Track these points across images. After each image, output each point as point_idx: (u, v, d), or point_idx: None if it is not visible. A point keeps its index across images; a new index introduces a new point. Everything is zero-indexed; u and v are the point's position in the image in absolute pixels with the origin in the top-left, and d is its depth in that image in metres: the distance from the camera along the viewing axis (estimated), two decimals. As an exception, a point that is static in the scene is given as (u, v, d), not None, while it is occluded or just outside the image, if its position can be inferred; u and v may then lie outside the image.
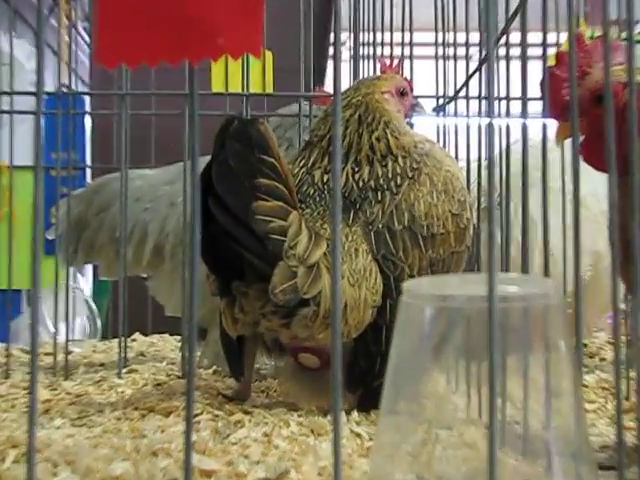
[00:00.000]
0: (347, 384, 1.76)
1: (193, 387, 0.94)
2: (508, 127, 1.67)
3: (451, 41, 2.28)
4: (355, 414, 1.71)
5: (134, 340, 3.18)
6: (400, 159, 1.88)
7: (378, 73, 2.25)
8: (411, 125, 2.67)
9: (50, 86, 2.47)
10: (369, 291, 1.75)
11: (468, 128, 2.13)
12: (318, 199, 1.84)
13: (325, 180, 1.86)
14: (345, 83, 2.04)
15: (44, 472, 1.21)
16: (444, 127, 2.34)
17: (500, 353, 1.07)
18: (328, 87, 3.52)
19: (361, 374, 1.76)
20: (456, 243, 1.85)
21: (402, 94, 1.97)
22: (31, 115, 3.38)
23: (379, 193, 1.83)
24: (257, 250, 1.64)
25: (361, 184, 1.84)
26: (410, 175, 1.86)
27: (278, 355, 1.84)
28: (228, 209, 1.62)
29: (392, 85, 1.96)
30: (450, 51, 2.30)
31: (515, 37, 1.54)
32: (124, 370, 2.21)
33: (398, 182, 1.85)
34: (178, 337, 2.93)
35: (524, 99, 1.44)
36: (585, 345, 2.52)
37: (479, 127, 1.99)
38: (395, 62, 2.21)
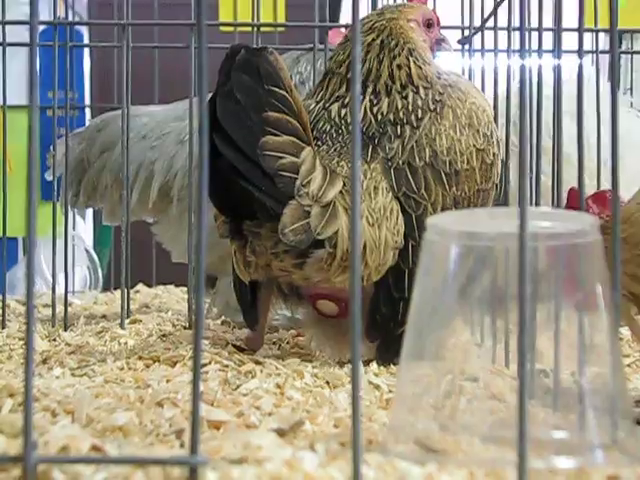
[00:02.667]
0: (367, 332, 1.75)
1: (202, 326, 0.93)
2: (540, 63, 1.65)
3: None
4: (374, 365, 1.71)
5: (137, 292, 3.19)
6: (422, 90, 1.84)
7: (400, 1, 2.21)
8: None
9: (45, 17, 2.44)
10: (390, 231, 1.73)
11: (496, 62, 2.09)
12: (335, 135, 1.82)
13: (342, 115, 1.83)
14: (363, 13, 2.01)
15: (42, 420, 1.20)
16: (470, 60, 2.31)
17: (531, 296, 1.06)
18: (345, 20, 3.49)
19: (383, 321, 1.75)
20: (482, 180, 1.83)
21: (429, 26, 1.94)
22: (25, 48, 3.37)
23: (399, 127, 1.81)
24: (267, 188, 1.62)
25: (379, 117, 1.82)
26: (432, 108, 1.83)
27: (295, 302, 1.83)
28: (235, 145, 1.61)
29: (419, 14, 1.93)
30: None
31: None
32: (127, 321, 2.20)
33: (419, 115, 1.82)
34: (184, 288, 2.93)
35: (558, 30, 1.41)
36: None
37: (507, 61, 1.96)
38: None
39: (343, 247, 1.66)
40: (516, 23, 1.87)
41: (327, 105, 1.86)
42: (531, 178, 1.66)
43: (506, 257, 1.10)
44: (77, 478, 0.92)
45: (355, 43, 0.96)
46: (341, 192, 1.68)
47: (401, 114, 1.82)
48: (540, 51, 1.75)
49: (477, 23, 2.22)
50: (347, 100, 1.84)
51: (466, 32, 2.32)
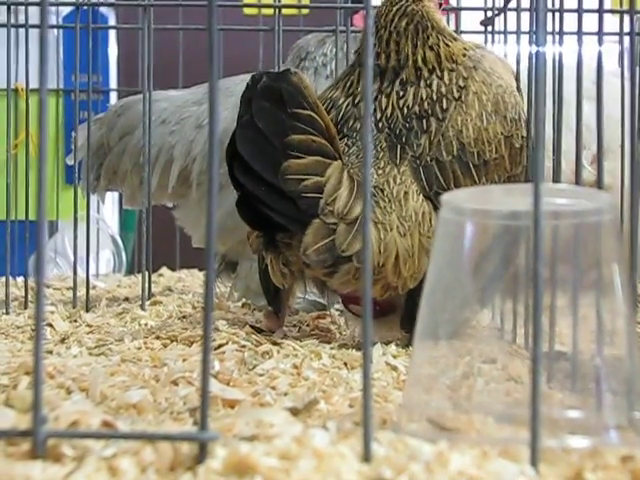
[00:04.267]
0: (402, 324, 1.76)
1: (212, 301, 0.92)
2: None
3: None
4: (392, 347, 1.70)
5: (161, 275, 3.19)
6: (446, 75, 1.80)
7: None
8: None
9: (69, -1, 2.44)
10: (424, 236, 1.70)
11: (518, 44, 2.07)
12: (360, 130, 1.78)
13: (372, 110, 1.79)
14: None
15: (55, 397, 1.21)
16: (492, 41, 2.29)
17: (547, 275, 1.04)
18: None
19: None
20: (512, 166, 1.79)
21: (440, 4, 1.93)
22: (49, 30, 3.38)
23: (424, 121, 1.77)
24: (289, 212, 1.63)
25: (405, 111, 1.78)
26: (457, 96, 1.78)
27: (331, 294, 1.84)
28: (255, 174, 1.61)
29: None
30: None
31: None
32: (148, 302, 2.21)
33: (444, 105, 1.77)
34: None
35: (579, 11, 1.40)
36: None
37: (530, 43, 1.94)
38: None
39: (373, 261, 1.66)
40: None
41: (356, 102, 1.82)
42: (553, 158, 1.64)
43: (521, 235, 1.09)
44: (86, 453, 0.92)
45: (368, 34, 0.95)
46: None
47: (426, 105, 1.78)
48: (561, 33, 1.73)
49: (500, 4, 2.20)
50: (376, 94, 1.80)
51: (489, 13, 2.30)
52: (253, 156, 1.63)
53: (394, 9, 1.84)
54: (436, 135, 1.76)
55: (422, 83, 1.80)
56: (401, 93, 1.80)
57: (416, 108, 1.78)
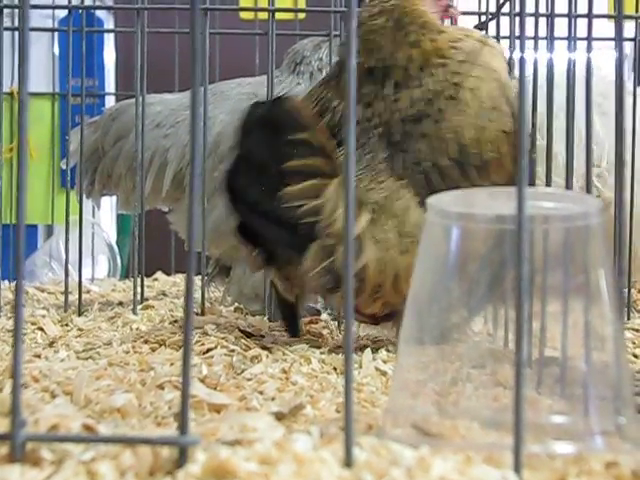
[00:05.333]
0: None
1: (192, 301, 0.92)
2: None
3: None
4: (383, 352, 1.69)
5: (156, 280, 3.18)
6: (437, 71, 1.72)
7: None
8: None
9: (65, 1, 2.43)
10: None
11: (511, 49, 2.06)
12: (363, 139, 1.72)
13: (368, 116, 1.73)
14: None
15: (38, 401, 1.20)
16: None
17: (529, 277, 1.03)
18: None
19: None
20: (514, 165, 1.64)
21: None
22: (46, 35, 3.38)
23: (421, 125, 1.70)
24: (287, 239, 1.63)
25: (401, 115, 1.72)
26: (452, 94, 1.70)
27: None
28: (250, 204, 1.62)
29: None
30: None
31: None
32: (140, 307, 2.20)
33: (440, 106, 1.70)
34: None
35: (590, 16, 1.38)
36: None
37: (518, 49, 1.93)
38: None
39: (372, 281, 1.64)
40: (531, 10, 1.84)
41: None
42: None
43: (506, 239, 1.08)
44: (65, 457, 0.91)
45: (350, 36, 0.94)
46: (371, 220, 1.65)
47: (422, 106, 1.71)
48: (552, 38, 1.73)
49: (493, 9, 2.20)
50: (370, 98, 1.74)
51: (483, 18, 2.29)
52: (246, 187, 1.63)
53: (376, 6, 1.78)
54: (435, 139, 1.69)
55: (413, 83, 1.73)
56: (393, 98, 1.74)
57: (411, 111, 1.71)
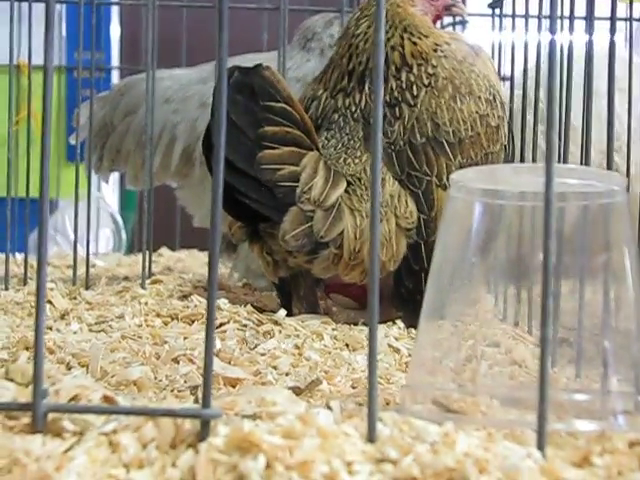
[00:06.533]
0: (396, 304, 1.79)
1: (216, 278, 0.91)
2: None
3: None
4: (395, 329, 1.69)
5: (160, 255, 3.18)
6: (415, 68, 1.84)
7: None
8: (463, 25, 2.59)
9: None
10: (400, 218, 1.76)
11: (526, 27, 2.04)
12: (342, 124, 1.84)
13: (347, 104, 1.84)
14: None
15: (56, 371, 1.19)
16: (500, 24, 2.26)
17: (555, 256, 1.02)
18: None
19: (409, 293, 1.77)
20: (489, 143, 1.83)
21: None
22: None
23: (396, 108, 1.81)
24: (266, 200, 1.66)
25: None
26: (426, 83, 1.82)
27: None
28: (232, 165, 1.63)
29: None
30: None
31: None
32: (148, 281, 2.19)
33: (414, 92, 1.82)
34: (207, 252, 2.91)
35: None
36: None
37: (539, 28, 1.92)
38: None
39: (349, 247, 1.71)
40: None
41: (334, 94, 1.87)
42: (559, 144, 1.63)
43: (530, 216, 1.07)
44: (87, 428, 0.90)
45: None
46: (347, 191, 1.73)
47: (396, 93, 1.82)
48: (572, 17, 1.71)
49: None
50: (350, 90, 1.85)
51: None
52: (227, 147, 1.62)
53: (363, 11, 1.88)
54: (409, 120, 1.80)
55: (391, 79, 1.83)
56: (372, 90, 1.81)
57: (387, 98, 1.81)
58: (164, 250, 3.25)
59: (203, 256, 3.19)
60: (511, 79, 2.13)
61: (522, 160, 1.90)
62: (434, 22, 1.94)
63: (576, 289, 1.14)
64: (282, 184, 1.67)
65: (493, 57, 2.18)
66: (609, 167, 1.37)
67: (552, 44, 0.97)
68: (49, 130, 0.97)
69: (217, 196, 0.92)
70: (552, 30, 0.96)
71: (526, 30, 2.03)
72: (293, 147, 1.68)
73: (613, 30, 1.34)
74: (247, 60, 2.41)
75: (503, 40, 2.25)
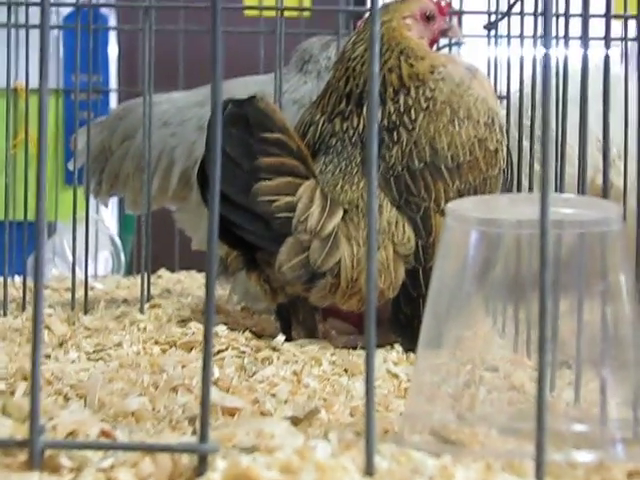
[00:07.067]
0: (394, 330, 1.79)
1: (213, 308, 0.91)
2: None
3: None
4: (394, 354, 1.69)
5: (160, 277, 3.17)
6: (412, 90, 1.83)
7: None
8: (459, 46, 2.59)
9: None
10: (398, 244, 1.75)
11: (522, 48, 2.05)
12: (340, 149, 1.83)
13: (345, 128, 1.84)
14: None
15: (53, 405, 1.19)
16: (495, 45, 2.26)
17: (553, 285, 1.02)
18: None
19: (407, 320, 1.77)
20: (487, 167, 1.82)
21: (428, 18, 1.91)
22: (50, 30, 3.35)
23: (394, 133, 1.81)
24: (262, 232, 1.66)
25: None
26: (424, 106, 1.82)
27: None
28: (226, 198, 1.62)
29: (416, 9, 1.89)
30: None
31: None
32: (147, 305, 2.18)
33: (412, 116, 1.81)
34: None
35: (585, 17, 1.38)
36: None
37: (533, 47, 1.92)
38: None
39: (347, 276, 1.71)
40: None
41: (332, 118, 1.86)
42: (556, 165, 1.63)
43: (526, 245, 1.07)
44: (84, 464, 0.90)
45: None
46: (343, 219, 1.72)
47: (394, 117, 1.82)
48: (567, 38, 1.71)
49: (503, 8, 2.18)
50: (347, 114, 1.84)
51: (492, 17, 2.28)
52: (222, 180, 1.63)
53: (359, 34, 1.88)
54: (407, 144, 1.80)
55: (389, 102, 1.83)
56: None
57: (384, 122, 1.81)
58: (163, 271, 3.25)
59: (201, 277, 3.18)
60: (507, 98, 2.13)
61: (518, 182, 1.91)
62: (430, 46, 1.94)
63: (575, 312, 1.14)
64: (278, 215, 1.67)
65: (489, 75, 2.19)
66: (604, 183, 1.37)
67: (546, 63, 0.97)
68: (45, 155, 0.97)
69: (213, 226, 0.92)
70: (546, 49, 0.97)
71: (522, 50, 2.03)
72: (289, 177, 1.68)
73: (608, 47, 1.35)
74: (243, 84, 2.43)
75: (499, 57, 2.26)
